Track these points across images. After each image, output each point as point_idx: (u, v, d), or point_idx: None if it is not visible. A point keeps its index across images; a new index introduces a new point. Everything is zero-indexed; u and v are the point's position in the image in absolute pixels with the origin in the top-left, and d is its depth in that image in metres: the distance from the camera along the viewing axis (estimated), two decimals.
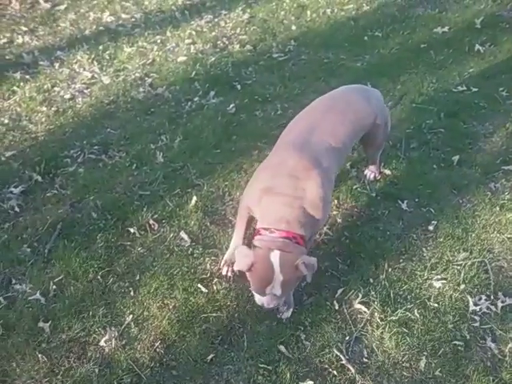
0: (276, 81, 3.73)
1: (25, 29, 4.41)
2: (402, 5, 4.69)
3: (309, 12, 4.61)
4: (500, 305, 2.18)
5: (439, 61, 3.85)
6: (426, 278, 2.32)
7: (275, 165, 2.11)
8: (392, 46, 4.08)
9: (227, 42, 4.23)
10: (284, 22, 4.50)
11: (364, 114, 2.35)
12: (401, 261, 2.40)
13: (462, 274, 2.31)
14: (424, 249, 2.46)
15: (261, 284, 1.89)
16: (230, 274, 2.32)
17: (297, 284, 2.04)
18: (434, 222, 2.58)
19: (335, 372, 1.99)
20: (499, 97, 3.42)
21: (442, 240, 2.49)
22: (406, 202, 2.69)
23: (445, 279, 2.30)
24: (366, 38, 4.21)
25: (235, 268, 1.98)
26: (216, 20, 4.56)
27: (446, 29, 4.23)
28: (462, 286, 2.26)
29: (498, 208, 2.63)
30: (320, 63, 3.91)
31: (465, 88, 3.54)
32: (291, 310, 2.16)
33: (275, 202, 1.98)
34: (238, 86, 3.69)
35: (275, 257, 1.85)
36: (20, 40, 4.28)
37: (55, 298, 2.29)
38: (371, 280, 2.31)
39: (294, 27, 4.41)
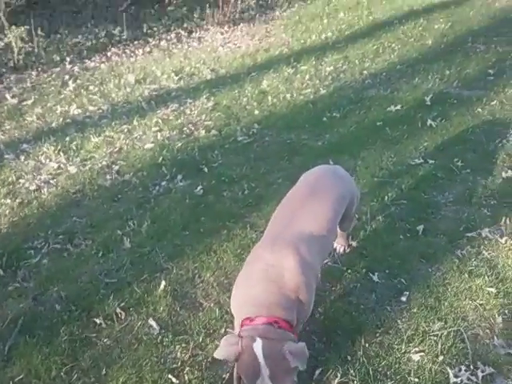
0: (242, 162, 3.83)
1: None
2: (357, 87, 5.03)
3: (270, 97, 4.87)
4: (480, 375, 2.13)
5: (395, 136, 4.07)
6: (403, 351, 2.26)
7: (253, 259, 2.07)
8: (350, 125, 4.31)
9: (193, 128, 4.38)
10: (247, 108, 4.71)
11: (342, 194, 2.37)
12: (377, 335, 2.35)
13: (440, 345, 2.27)
14: (399, 321, 2.42)
15: (249, 377, 1.73)
16: None
17: (293, 375, 1.83)
18: (406, 293, 2.57)
19: None
20: (455, 167, 3.59)
21: (415, 311, 2.46)
22: (376, 273, 2.69)
23: (423, 351, 2.25)
24: (324, 118, 4.44)
25: (216, 355, 1.80)
26: (182, 108, 4.75)
27: (398, 107, 4.51)
28: (441, 358, 2.21)
29: (466, 275, 2.65)
30: (283, 144, 4.06)
31: (422, 160, 3.71)
32: None
33: (256, 287, 1.91)
34: (205, 169, 3.76)
35: (258, 346, 1.72)
36: None
37: None
38: (349, 357, 2.24)
39: (256, 112, 4.62)
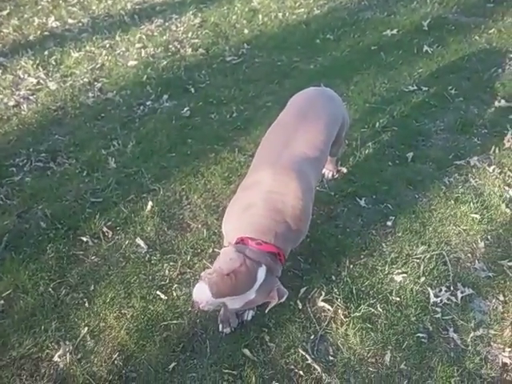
0: (230, 84, 3.69)
1: None
2: (352, 9, 4.79)
3: (260, 16, 4.62)
4: (460, 295, 2.21)
5: (390, 62, 3.94)
6: (386, 272, 2.32)
7: (253, 184, 2.00)
8: (343, 48, 4.14)
9: (179, 46, 4.16)
10: (236, 26, 4.48)
11: (334, 116, 2.31)
12: (362, 257, 2.40)
13: (422, 267, 2.33)
14: (384, 244, 2.46)
15: (229, 291, 1.69)
16: (226, 330, 2.07)
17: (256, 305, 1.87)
18: (392, 218, 2.60)
19: (301, 372, 1.94)
20: (448, 95, 3.52)
21: (400, 235, 2.51)
22: (364, 199, 2.70)
23: (405, 273, 2.31)
24: (318, 40, 4.26)
25: (215, 265, 1.76)
26: (167, 24, 4.49)
27: (394, 31, 4.33)
28: (422, 279, 2.28)
29: (452, 201, 2.68)
30: (273, 66, 3.91)
31: (415, 88, 3.62)
32: (252, 312, 2.10)
33: (259, 215, 1.87)
34: (192, 90, 3.63)
35: (261, 273, 1.71)
36: None
37: (3, 313, 2.15)
38: (333, 277, 2.29)
39: (246, 31, 4.40)
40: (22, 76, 3.74)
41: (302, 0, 4.92)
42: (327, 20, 4.57)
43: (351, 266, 2.35)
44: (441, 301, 2.19)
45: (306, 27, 4.46)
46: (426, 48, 4.06)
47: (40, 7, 4.66)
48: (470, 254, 2.41)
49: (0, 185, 2.80)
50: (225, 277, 1.68)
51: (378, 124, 3.25)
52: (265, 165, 2.05)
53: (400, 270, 2.33)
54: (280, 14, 4.65)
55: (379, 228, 2.56)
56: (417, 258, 2.38)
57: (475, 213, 2.60)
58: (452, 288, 2.25)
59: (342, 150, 2.78)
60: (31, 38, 4.21)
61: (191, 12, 4.65)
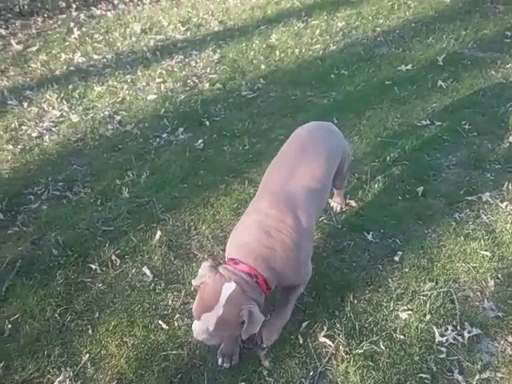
0: (244, 117, 3.78)
1: None
2: (368, 44, 4.87)
3: (277, 52, 4.74)
4: (467, 335, 2.15)
5: (403, 96, 3.97)
6: (392, 309, 2.28)
7: (253, 211, 2.07)
8: (357, 83, 4.20)
9: (197, 81, 4.30)
10: (253, 62, 4.60)
11: (334, 148, 2.36)
12: (367, 292, 2.37)
13: (428, 305, 2.28)
14: (390, 279, 2.43)
15: (200, 306, 1.78)
16: (226, 365, 2.05)
17: (233, 334, 1.86)
18: (400, 253, 2.57)
19: None
20: (462, 130, 3.51)
21: (407, 270, 2.47)
22: (371, 233, 2.69)
23: (411, 310, 2.27)
24: (332, 75, 4.33)
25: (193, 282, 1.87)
26: (187, 60, 4.65)
27: (409, 66, 4.38)
28: (428, 317, 2.23)
29: (462, 238, 2.64)
30: (287, 100, 3.99)
31: (428, 122, 3.63)
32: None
33: (248, 236, 1.94)
34: (207, 123, 3.72)
35: (227, 289, 1.76)
36: None
37: (10, 337, 2.20)
38: (337, 312, 2.27)
39: (263, 66, 4.51)
40: (46, 108, 3.92)
41: (318, 36, 5.04)
42: (343, 55, 4.66)
43: (355, 301, 2.32)
44: (446, 340, 2.14)
45: (321, 62, 4.55)
46: (440, 83, 4.08)
47: (67, 43, 4.90)
48: (478, 293, 2.36)
49: (18, 212, 2.90)
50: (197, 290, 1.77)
51: (388, 158, 3.25)
52: (266, 194, 2.10)
53: (406, 307, 2.29)
54: (297, 50, 4.76)
55: (386, 263, 2.53)
56: (423, 295, 2.34)
57: (486, 250, 2.55)
58: (459, 327, 2.19)
59: (346, 182, 2.78)
60: (57, 72, 4.42)
61: (211, 48, 4.81)
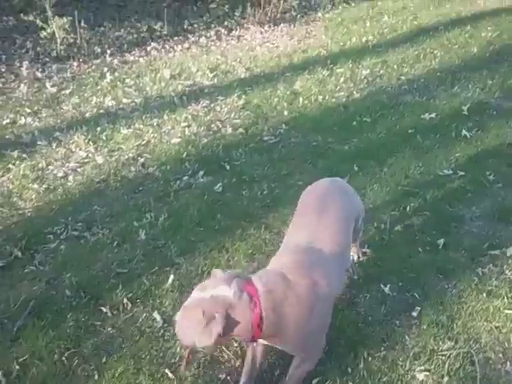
0: (264, 162, 3.80)
1: (28, 111, 4.62)
2: (392, 92, 4.89)
3: (301, 98, 4.81)
4: None
5: (426, 145, 3.93)
6: (408, 368, 2.18)
7: (275, 262, 2.04)
8: (380, 130, 4.19)
9: (220, 126, 4.38)
10: (277, 108, 4.68)
11: (352, 207, 2.32)
12: (382, 349, 2.27)
13: (447, 366, 2.17)
14: (407, 336, 2.33)
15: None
16: None
17: (191, 339, 1.74)
18: (418, 308, 2.47)
19: None
20: (486, 181, 3.43)
21: (425, 327, 2.37)
22: (389, 285, 2.60)
23: (428, 370, 2.16)
24: (354, 122, 4.34)
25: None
26: (212, 105, 4.76)
27: (433, 115, 4.36)
28: (446, 379, 2.11)
29: (485, 294, 2.52)
30: (308, 146, 4.00)
31: (451, 172, 3.57)
32: None
33: (272, 274, 1.90)
34: (227, 167, 3.76)
35: (226, 287, 1.72)
36: (22, 121, 4.47)
37: (17, 379, 2.18)
38: (349, 369, 2.18)
39: (285, 112, 4.57)
40: (73, 150, 4.04)
41: (342, 84, 5.10)
42: (366, 103, 4.68)
43: (369, 359, 2.22)
44: None
45: (344, 110, 4.58)
46: (464, 132, 4.04)
47: (99, 87, 5.10)
48: (501, 355, 2.23)
49: (36, 251, 2.95)
50: None
51: (409, 207, 3.20)
52: (288, 253, 2.05)
53: (423, 367, 2.18)
54: (320, 97, 4.82)
55: (403, 318, 2.43)
56: (442, 355, 2.22)
57: (510, 309, 2.43)
58: None
59: (361, 234, 2.72)
60: (87, 115, 4.58)
61: (236, 94, 4.92)
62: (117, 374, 2.18)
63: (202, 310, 1.67)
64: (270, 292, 1.78)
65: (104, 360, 2.26)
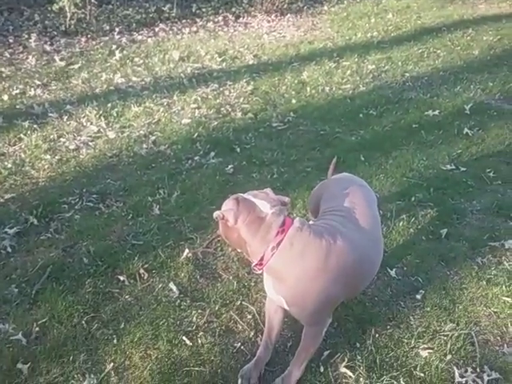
0: (274, 147, 3.89)
1: (38, 82, 4.63)
2: (396, 88, 5.01)
3: (308, 88, 4.90)
4: (486, 378, 2.15)
5: (429, 140, 4.06)
6: (412, 346, 2.30)
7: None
8: (385, 124, 4.31)
9: (230, 110, 4.45)
10: (285, 96, 4.76)
11: (375, 198, 2.38)
12: (388, 327, 2.40)
13: (449, 345, 2.30)
14: (411, 317, 2.46)
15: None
16: None
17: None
18: (422, 292, 2.60)
19: None
20: (486, 177, 3.58)
21: (429, 310, 2.50)
22: (394, 269, 2.73)
23: (431, 349, 2.29)
24: (361, 115, 4.45)
25: None
26: (221, 89, 4.83)
27: (436, 112, 4.49)
28: (449, 357, 2.24)
29: (484, 282, 2.66)
30: (316, 134, 4.11)
31: (453, 167, 3.70)
32: None
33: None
34: (238, 149, 3.84)
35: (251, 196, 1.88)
36: (32, 92, 4.49)
37: (37, 340, 2.25)
38: (358, 344, 2.29)
39: (293, 100, 4.66)
40: (84, 124, 4.08)
41: (349, 77, 5.20)
42: (371, 97, 4.79)
43: (377, 336, 2.35)
44: (466, 382, 2.14)
45: (350, 102, 4.69)
46: (466, 130, 4.17)
47: (109, 64, 5.13)
48: (499, 338, 2.37)
49: (51, 219, 3.01)
50: None
51: (413, 198, 3.32)
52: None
53: (426, 346, 2.31)
54: (327, 88, 4.92)
55: (408, 300, 2.56)
56: (444, 335, 2.36)
57: (507, 296, 2.57)
58: (478, 370, 2.20)
59: None
60: (97, 90, 4.62)
61: (245, 80, 4.99)
62: (135, 339, 2.27)
63: (236, 201, 1.84)
64: (301, 231, 1.85)
65: (122, 326, 2.34)
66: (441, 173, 3.65)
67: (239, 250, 2.08)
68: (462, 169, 3.68)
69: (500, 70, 5.60)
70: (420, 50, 6.04)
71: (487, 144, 4.04)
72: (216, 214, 1.85)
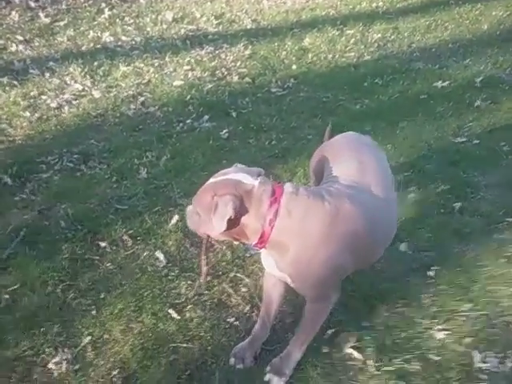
0: (273, 113, 3.61)
1: (20, 38, 4.30)
2: (403, 58, 4.72)
3: (310, 55, 4.60)
4: (509, 364, 1.93)
5: (439, 112, 3.79)
6: (426, 327, 2.07)
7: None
8: (391, 93, 4.03)
9: (226, 73, 4.14)
10: (285, 61, 4.46)
11: (385, 157, 2.17)
12: (398, 306, 2.16)
13: (467, 327, 2.07)
14: (424, 295, 2.23)
15: None
16: (239, 366, 1.85)
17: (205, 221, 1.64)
18: (435, 268, 2.36)
19: None
20: (501, 151, 3.33)
21: (443, 288, 2.26)
22: (404, 243, 2.49)
23: (447, 330, 2.06)
24: (365, 83, 4.17)
25: None
26: (217, 52, 4.51)
27: (446, 83, 4.22)
28: (467, 340, 2.02)
29: (503, 260, 2.43)
30: (318, 101, 3.82)
31: (465, 139, 3.45)
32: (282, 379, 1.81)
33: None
34: (234, 114, 3.56)
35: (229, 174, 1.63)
36: (14, 48, 4.16)
37: (6, 308, 2.01)
38: (365, 323, 2.06)
39: (294, 66, 4.36)
40: (68, 82, 3.76)
41: (353, 45, 4.90)
42: (377, 66, 4.50)
43: (386, 314, 2.11)
44: (487, 368, 1.92)
45: (354, 70, 4.40)
46: (478, 103, 3.91)
47: (96, 22, 4.77)
48: None
49: (27, 180, 2.73)
50: None
51: (423, 170, 3.07)
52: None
53: (441, 327, 2.08)
54: (330, 56, 4.62)
55: (419, 277, 2.32)
56: (461, 316, 2.13)
57: None
58: (501, 355, 1.97)
59: None
60: (83, 48, 4.28)
61: (242, 44, 4.67)
62: (116, 311, 2.02)
63: (213, 193, 1.56)
64: (296, 195, 1.62)
65: (102, 296, 2.10)
66: (451, 145, 3.40)
67: (235, 242, 1.85)
68: (475, 141, 3.43)
69: (510, 45, 5.31)
70: (427, 22, 5.73)
71: (500, 117, 3.78)
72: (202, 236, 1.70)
